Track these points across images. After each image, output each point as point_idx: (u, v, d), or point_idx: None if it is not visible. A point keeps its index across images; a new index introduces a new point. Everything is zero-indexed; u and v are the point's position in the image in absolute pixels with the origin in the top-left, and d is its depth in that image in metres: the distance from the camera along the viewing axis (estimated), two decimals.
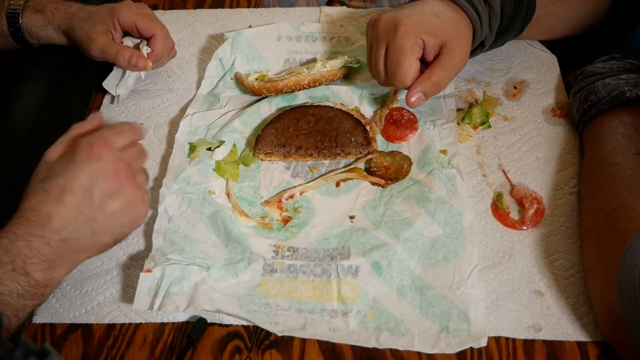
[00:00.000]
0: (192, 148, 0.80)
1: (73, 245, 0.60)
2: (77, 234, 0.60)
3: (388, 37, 0.74)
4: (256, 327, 0.67)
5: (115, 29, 0.85)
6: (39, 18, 0.85)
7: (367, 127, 0.81)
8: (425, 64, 0.76)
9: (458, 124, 0.82)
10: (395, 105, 0.84)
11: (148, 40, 0.87)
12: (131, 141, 0.65)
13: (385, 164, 0.79)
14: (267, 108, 0.86)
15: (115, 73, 0.89)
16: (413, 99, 0.74)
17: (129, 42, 0.88)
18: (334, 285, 0.68)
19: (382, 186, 0.77)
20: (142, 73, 0.89)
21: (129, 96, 0.90)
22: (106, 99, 0.90)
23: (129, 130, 0.65)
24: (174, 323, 0.68)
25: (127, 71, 0.88)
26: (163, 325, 0.68)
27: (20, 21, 0.84)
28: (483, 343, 0.63)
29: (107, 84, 0.88)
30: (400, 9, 0.75)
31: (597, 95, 0.73)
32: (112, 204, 0.61)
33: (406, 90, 0.76)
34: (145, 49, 0.86)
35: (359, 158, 0.80)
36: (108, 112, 0.89)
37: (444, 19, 0.73)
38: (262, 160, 0.81)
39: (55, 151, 0.62)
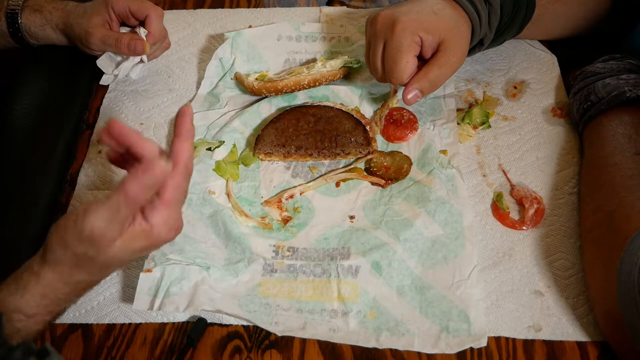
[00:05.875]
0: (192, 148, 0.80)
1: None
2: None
3: (386, 34, 0.74)
4: (256, 327, 0.67)
5: (112, 18, 0.86)
6: (37, 18, 0.85)
7: (367, 127, 0.80)
8: (423, 61, 0.76)
9: (458, 124, 0.82)
10: (395, 105, 0.84)
11: (144, 24, 0.87)
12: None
13: (385, 164, 0.79)
14: (267, 108, 0.86)
15: (109, 54, 0.88)
16: (409, 96, 0.74)
17: (125, 29, 0.88)
18: (334, 285, 0.68)
19: (382, 186, 0.77)
20: (137, 58, 0.89)
21: (129, 96, 0.90)
22: (106, 100, 0.90)
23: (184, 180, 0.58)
24: (174, 323, 0.68)
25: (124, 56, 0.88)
26: (163, 325, 0.68)
27: (19, 21, 0.84)
28: (483, 343, 0.63)
29: (101, 63, 0.88)
30: (398, 6, 0.75)
31: (597, 95, 0.73)
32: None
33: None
34: (142, 31, 0.86)
35: (359, 158, 0.80)
36: (107, 112, 0.89)
37: (442, 16, 0.73)
38: (262, 160, 0.81)
39: (104, 228, 0.52)
